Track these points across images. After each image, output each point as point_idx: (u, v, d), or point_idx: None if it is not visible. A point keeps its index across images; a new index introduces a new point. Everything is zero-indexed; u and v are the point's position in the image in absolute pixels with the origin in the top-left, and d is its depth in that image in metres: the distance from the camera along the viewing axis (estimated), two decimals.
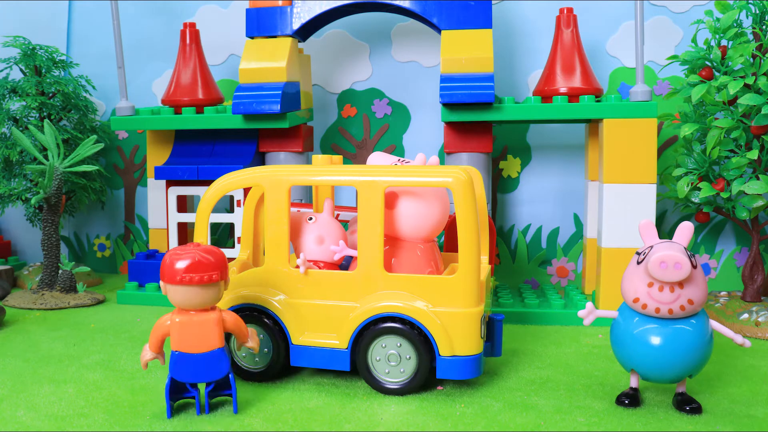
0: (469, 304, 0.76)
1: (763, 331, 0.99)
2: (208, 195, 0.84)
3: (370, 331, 0.78)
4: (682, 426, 0.69)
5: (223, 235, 1.43)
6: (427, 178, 0.77)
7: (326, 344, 0.79)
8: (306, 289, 0.81)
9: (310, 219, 0.86)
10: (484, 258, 0.90)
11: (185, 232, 1.25)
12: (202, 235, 0.84)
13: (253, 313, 0.82)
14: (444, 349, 0.76)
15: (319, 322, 0.80)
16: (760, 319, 1.00)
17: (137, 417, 0.72)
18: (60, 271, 1.22)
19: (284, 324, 0.80)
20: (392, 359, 0.78)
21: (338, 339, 0.79)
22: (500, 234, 1.33)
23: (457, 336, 0.76)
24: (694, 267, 0.68)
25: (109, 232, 1.51)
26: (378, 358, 0.78)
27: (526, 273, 1.33)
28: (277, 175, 0.81)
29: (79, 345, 0.97)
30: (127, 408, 0.74)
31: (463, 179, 0.75)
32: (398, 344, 0.77)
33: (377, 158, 0.87)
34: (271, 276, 0.82)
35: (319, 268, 0.83)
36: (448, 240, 1.10)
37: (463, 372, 0.77)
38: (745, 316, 1.02)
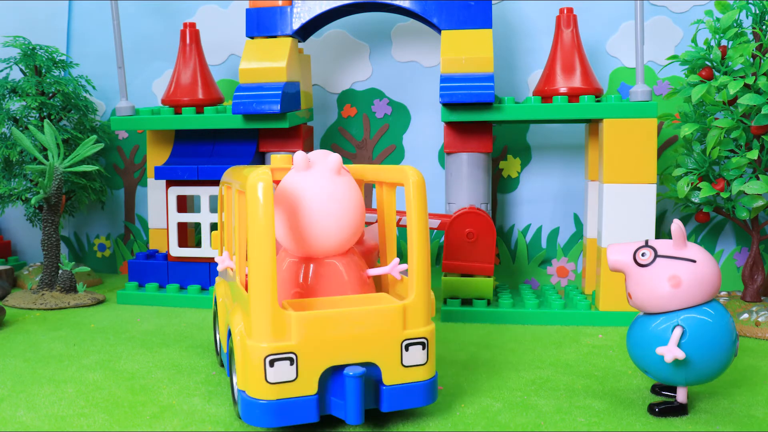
0: (252, 336, 0.65)
1: (763, 331, 0.99)
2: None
3: None
4: (682, 426, 0.69)
5: None
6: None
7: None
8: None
9: None
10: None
11: (185, 232, 1.25)
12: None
13: None
14: (239, 381, 0.67)
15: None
16: (760, 319, 1.00)
17: (137, 417, 0.72)
18: (60, 271, 1.22)
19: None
20: None
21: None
22: (500, 234, 1.33)
23: (246, 371, 0.65)
24: (639, 265, 0.70)
25: (109, 232, 1.51)
26: None
27: (526, 273, 1.33)
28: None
29: (79, 345, 0.97)
30: (127, 408, 0.74)
31: (256, 183, 0.63)
32: None
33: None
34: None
35: None
36: (447, 244, 1.11)
37: (246, 414, 0.66)
38: (745, 316, 1.02)
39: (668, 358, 0.67)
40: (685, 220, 1.27)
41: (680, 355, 0.67)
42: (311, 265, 0.74)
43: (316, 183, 0.72)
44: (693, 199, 1.09)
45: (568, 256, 1.31)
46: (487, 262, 1.10)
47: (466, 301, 1.12)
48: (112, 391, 0.79)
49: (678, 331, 0.68)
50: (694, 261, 0.69)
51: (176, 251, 1.22)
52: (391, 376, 0.68)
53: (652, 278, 0.69)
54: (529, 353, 0.92)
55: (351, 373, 0.65)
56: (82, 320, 1.10)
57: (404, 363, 0.69)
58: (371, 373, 0.68)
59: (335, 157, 0.73)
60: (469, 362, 0.89)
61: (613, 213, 1.07)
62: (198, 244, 1.31)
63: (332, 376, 0.67)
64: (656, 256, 0.70)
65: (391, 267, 0.75)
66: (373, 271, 0.77)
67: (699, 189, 1.08)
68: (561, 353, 0.92)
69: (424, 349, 0.69)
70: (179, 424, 0.70)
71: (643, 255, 0.71)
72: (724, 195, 1.05)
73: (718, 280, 0.70)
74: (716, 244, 1.27)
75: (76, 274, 1.33)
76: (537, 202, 1.32)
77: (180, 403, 0.75)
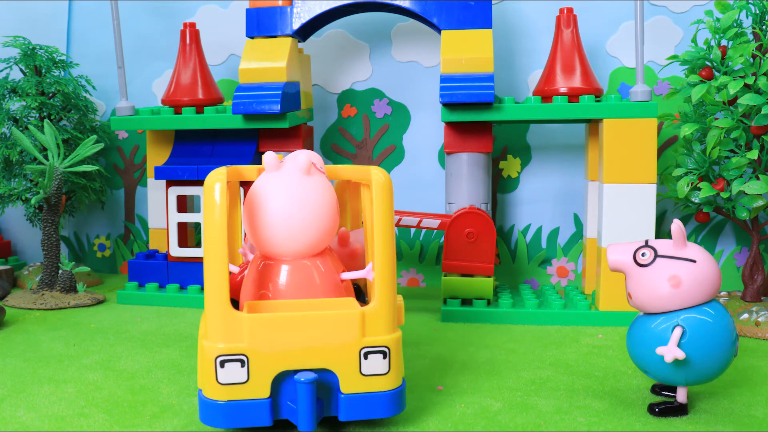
0: (206, 336, 0.66)
1: (763, 331, 0.99)
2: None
3: None
4: (682, 426, 0.69)
5: None
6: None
7: None
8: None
9: None
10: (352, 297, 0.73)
11: (185, 232, 1.25)
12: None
13: None
14: (198, 380, 0.68)
15: None
16: (760, 319, 1.00)
17: (137, 417, 0.72)
18: (60, 271, 1.22)
19: None
20: None
21: None
22: (500, 234, 1.33)
23: (202, 370, 0.66)
24: (639, 265, 0.70)
25: (109, 232, 1.51)
26: None
27: (526, 273, 1.33)
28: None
29: (79, 345, 0.97)
30: (127, 408, 0.74)
31: (212, 184, 0.65)
32: None
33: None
34: None
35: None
36: (447, 244, 1.11)
37: (203, 413, 0.66)
38: (745, 316, 1.02)
39: (668, 358, 0.67)
40: (685, 220, 1.27)
41: (680, 355, 0.67)
42: (282, 267, 0.71)
43: (281, 184, 0.70)
44: (693, 199, 1.09)
45: (568, 256, 1.31)
46: (487, 262, 1.10)
47: (466, 301, 1.12)
48: (112, 391, 0.79)
49: (678, 331, 0.68)
50: (694, 261, 0.69)
51: (176, 251, 1.22)
52: (348, 385, 0.66)
53: (652, 278, 0.69)
54: (529, 353, 0.92)
55: (302, 379, 0.63)
56: (82, 320, 1.10)
57: (363, 372, 0.66)
58: (329, 380, 0.66)
59: (303, 157, 0.71)
60: (468, 362, 0.89)
61: (613, 213, 1.07)
62: (198, 244, 1.31)
63: (286, 380, 0.66)
64: (656, 256, 0.70)
65: (367, 271, 0.71)
66: (348, 275, 0.73)
67: (699, 189, 1.08)
68: (561, 353, 0.92)
69: (385, 358, 0.66)
70: (179, 424, 0.70)
71: (643, 255, 0.71)
72: (724, 195, 1.05)
73: (718, 280, 0.70)
74: (716, 244, 1.27)
75: (76, 274, 1.33)
76: (537, 202, 1.32)
77: (180, 403, 0.75)
